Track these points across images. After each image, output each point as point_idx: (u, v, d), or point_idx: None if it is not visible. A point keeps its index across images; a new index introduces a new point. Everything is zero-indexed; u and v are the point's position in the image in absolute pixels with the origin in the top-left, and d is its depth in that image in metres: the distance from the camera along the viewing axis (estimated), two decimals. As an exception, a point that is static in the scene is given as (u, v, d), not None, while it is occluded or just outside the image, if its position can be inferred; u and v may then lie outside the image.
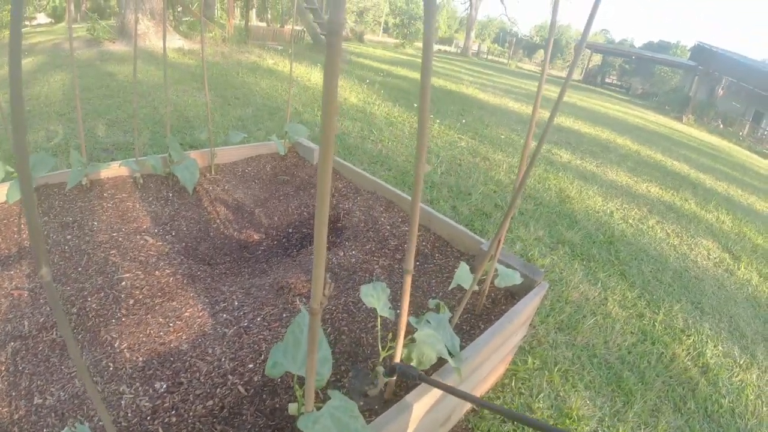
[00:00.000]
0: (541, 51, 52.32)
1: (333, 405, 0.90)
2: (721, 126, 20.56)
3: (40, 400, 1.22)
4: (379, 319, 1.21)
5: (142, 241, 1.93)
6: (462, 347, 1.29)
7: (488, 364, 1.47)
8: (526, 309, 1.45)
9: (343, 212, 2.11)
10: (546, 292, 1.66)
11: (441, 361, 1.22)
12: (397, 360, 1.03)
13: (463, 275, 1.30)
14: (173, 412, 1.17)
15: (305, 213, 2.17)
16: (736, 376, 2.34)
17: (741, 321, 2.91)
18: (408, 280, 0.84)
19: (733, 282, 3.47)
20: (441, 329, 1.16)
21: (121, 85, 5.69)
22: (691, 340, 2.51)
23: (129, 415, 1.16)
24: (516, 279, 1.43)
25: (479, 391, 1.70)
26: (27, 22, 16.64)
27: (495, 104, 8.85)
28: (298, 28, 16.70)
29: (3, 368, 1.29)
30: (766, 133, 22.40)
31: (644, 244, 3.60)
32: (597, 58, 38.80)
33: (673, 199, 5.22)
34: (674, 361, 2.29)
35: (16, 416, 1.19)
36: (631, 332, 2.40)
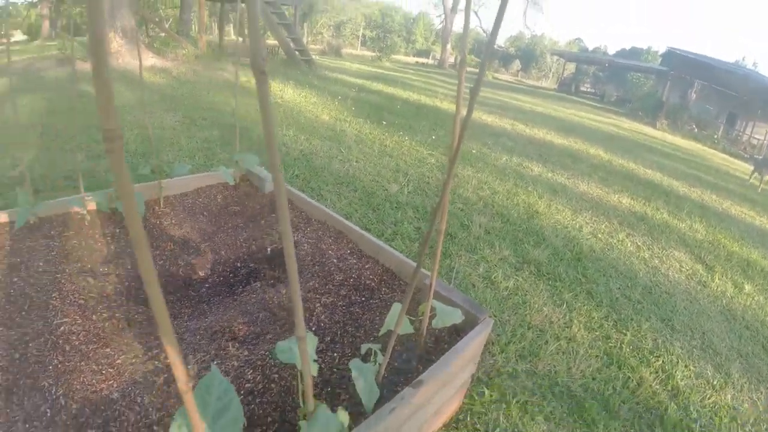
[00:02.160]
0: (517, 61, 53.20)
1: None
2: (695, 129, 20.99)
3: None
4: (299, 374, 1.13)
5: (83, 283, 1.83)
6: (397, 392, 1.22)
7: (430, 407, 1.39)
8: (467, 349, 1.38)
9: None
10: (491, 329, 1.59)
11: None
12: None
13: (394, 319, 1.23)
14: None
15: (254, 246, 2.08)
16: (709, 398, 2.28)
17: (714, 337, 2.87)
18: (303, 347, 0.77)
19: (706, 295, 3.44)
20: (363, 380, 1.08)
21: (87, 107, 5.54)
22: (660, 361, 2.46)
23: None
24: (456, 318, 1.36)
25: (430, 428, 1.62)
26: (4, 40, 16.21)
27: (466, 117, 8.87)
28: (272, 42, 16.67)
29: None
30: (740, 134, 22.97)
31: (613, 259, 3.57)
32: (571, 67, 39.53)
33: (644, 209, 5.24)
34: (641, 385, 2.24)
35: None
36: (597, 356, 2.35)
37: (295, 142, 4.85)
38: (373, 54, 29.60)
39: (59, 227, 2.12)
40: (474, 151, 6.04)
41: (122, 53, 9.74)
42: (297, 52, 12.43)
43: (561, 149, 7.73)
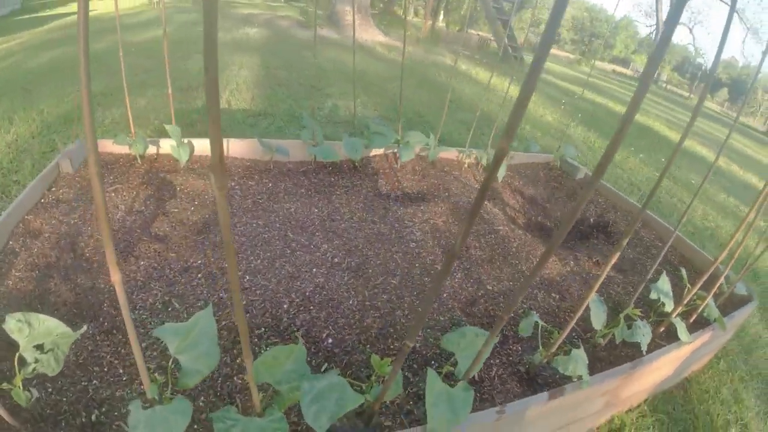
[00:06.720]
0: (725, 89, 46.99)
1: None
2: None
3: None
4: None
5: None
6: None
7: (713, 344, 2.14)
8: (740, 315, 2.14)
9: (611, 222, 2.87)
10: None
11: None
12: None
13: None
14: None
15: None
16: None
17: None
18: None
19: None
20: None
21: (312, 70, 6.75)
22: None
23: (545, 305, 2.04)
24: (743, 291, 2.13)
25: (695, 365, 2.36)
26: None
27: (683, 145, 8.81)
28: (482, 34, 17.50)
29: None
30: None
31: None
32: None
33: None
34: None
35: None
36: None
37: (532, 138, 5.63)
38: (569, 55, 28.93)
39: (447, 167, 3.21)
40: (693, 182, 6.26)
41: (354, 27, 11.27)
42: (510, 49, 13.06)
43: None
